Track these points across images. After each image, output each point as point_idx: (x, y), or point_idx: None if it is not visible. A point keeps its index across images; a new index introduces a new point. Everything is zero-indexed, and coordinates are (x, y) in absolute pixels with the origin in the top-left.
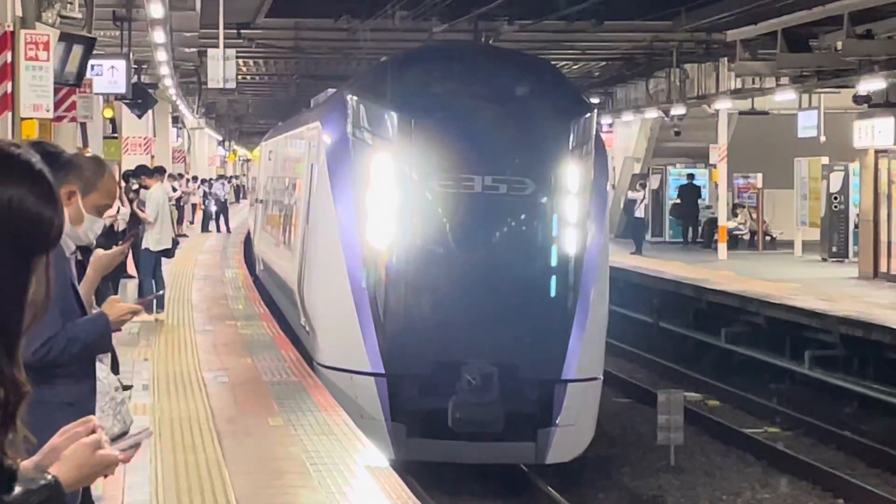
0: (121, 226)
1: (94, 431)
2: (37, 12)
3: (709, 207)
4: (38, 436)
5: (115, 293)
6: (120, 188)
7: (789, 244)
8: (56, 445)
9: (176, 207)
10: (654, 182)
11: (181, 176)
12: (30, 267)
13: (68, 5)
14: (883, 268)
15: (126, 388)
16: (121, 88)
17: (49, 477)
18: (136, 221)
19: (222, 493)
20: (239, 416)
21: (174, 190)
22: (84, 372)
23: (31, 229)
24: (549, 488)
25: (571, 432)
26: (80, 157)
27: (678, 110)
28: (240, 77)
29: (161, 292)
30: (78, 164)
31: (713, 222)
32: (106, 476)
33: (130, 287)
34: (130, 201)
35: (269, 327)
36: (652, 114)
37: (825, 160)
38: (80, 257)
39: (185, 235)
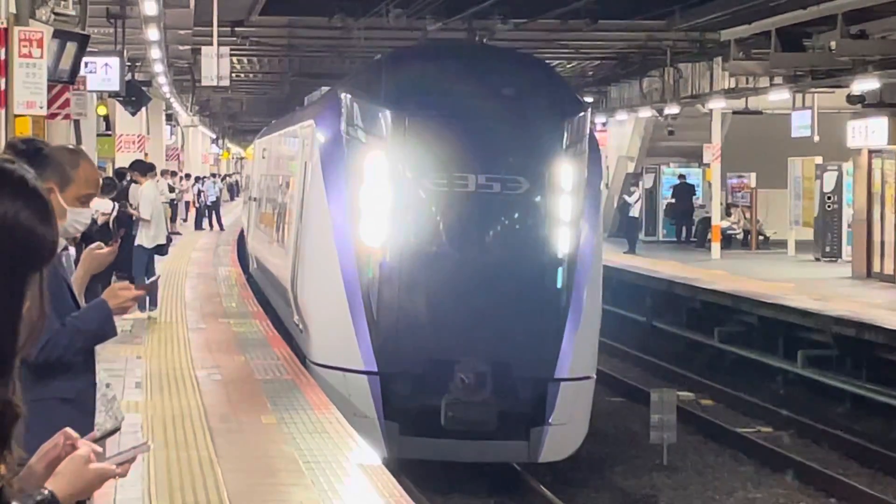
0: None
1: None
2: (31, 9)
3: (702, 206)
4: (37, 432)
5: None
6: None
7: (782, 244)
8: (32, 465)
9: (169, 205)
10: (647, 181)
11: (174, 174)
12: (24, 284)
13: (62, 2)
14: (876, 268)
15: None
16: (114, 86)
17: (45, 492)
18: (124, 220)
19: (215, 490)
20: (232, 413)
21: (171, 189)
22: (82, 367)
23: (25, 246)
24: (542, 487)
25: (564, 431)
26: (56, 151)
27: (672, 109)
28: (234, 75)
29: (157, 276)
30: (53, 159)
31: (707, 221)
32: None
33: None
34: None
35: (263, 325)
36: (646, 113)
37: (819, 160)
38: (74, 255)
39: (178, 233)
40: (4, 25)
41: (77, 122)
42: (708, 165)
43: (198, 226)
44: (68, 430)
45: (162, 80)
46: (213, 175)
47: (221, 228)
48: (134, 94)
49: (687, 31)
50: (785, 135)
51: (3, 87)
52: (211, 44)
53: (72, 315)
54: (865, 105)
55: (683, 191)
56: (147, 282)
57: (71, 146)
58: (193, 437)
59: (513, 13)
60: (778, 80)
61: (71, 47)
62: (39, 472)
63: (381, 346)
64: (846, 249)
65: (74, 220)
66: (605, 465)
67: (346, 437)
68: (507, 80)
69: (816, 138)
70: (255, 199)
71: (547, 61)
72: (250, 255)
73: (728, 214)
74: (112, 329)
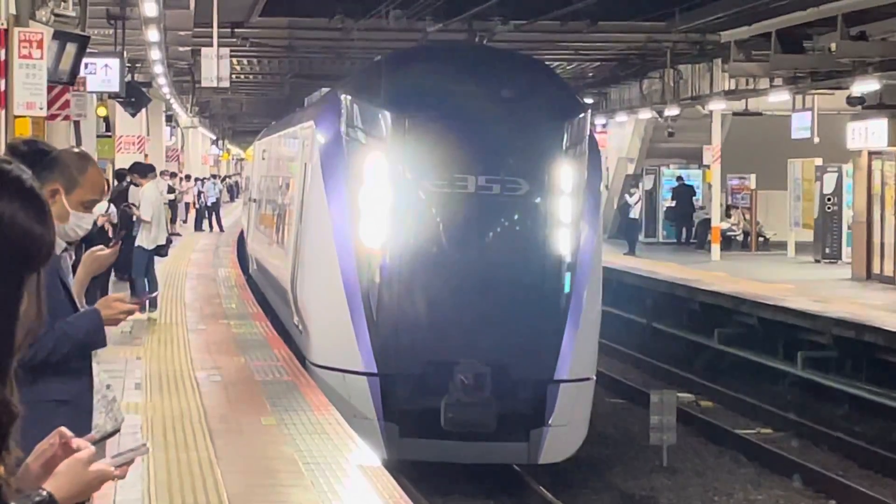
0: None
1: (69, 445)
2: (31, 10)
3: (702, 208)
4: (32, 435)
5: (106, 293)
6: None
7: (782, 245)
8: (28, 465)
9: (169, 206)
10: (647, 183)
11: (174, 175)
12: (21, 285)
13: (62, 3)
14: (876, 269)
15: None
16: (114, 87)
17: (43, 493)
18: (125, 221)
19: (214, 491)
20: (231, 414)
21: (171, 190)
22: (78, 369)
23: (22, 246)
24: (542, 488)
25: (564, 432)
26: (64, 154)
27: (672, 111)
28: (233, 76)
29: (155, 294)
30: (61, 161)
31: (706, 223)
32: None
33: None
34: (111, 201)
35: (262, 326)
36: (646, 114)
37: (819, 161)
38: (73, 257)
39: (178, 234)
40: (4, 26)
41: (77, 124)
42: (708, 167)
43: (198, 227)
44: (63, 429)
45: (162, 81)
46: (213, 176)
47: (221, 230)
48: (134, 96)
49: (687, 32)
50: (785, 136)
51: (3, 88)
52: (211, 45)
53: (63, 320)
54: (865, 107)
55: (683, 192)
56: (147, 293)
57: (79, 150)
58: (193, 439)
59: (513, 14)
60: (778, 81)
61: (71, 48)
62: (36, 472)
63: (381, 348)
64: (846, 251)
65: (77, 224)
66: (604, 467)
67: (345, 439)
68: (507, 82)
69: (816, 140)
70: (254, 201)
71: (547, 63)
72: (250, 256)
73: (728, 216)
74: (101, 339)
